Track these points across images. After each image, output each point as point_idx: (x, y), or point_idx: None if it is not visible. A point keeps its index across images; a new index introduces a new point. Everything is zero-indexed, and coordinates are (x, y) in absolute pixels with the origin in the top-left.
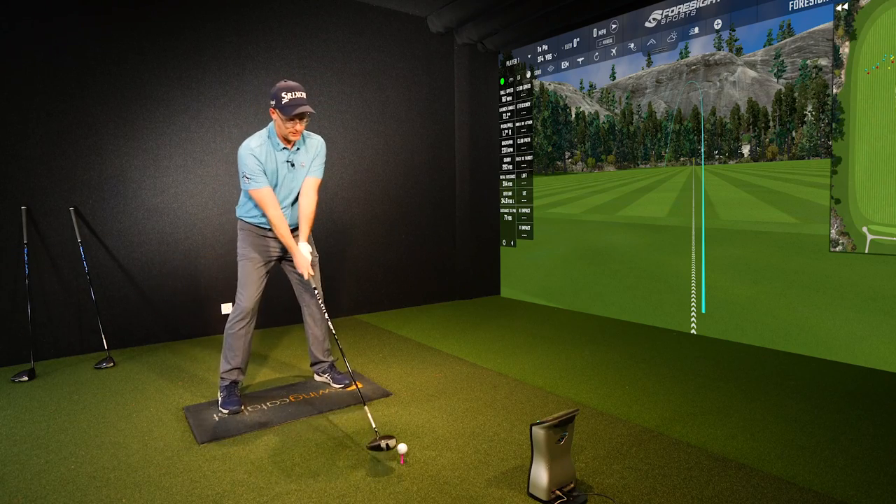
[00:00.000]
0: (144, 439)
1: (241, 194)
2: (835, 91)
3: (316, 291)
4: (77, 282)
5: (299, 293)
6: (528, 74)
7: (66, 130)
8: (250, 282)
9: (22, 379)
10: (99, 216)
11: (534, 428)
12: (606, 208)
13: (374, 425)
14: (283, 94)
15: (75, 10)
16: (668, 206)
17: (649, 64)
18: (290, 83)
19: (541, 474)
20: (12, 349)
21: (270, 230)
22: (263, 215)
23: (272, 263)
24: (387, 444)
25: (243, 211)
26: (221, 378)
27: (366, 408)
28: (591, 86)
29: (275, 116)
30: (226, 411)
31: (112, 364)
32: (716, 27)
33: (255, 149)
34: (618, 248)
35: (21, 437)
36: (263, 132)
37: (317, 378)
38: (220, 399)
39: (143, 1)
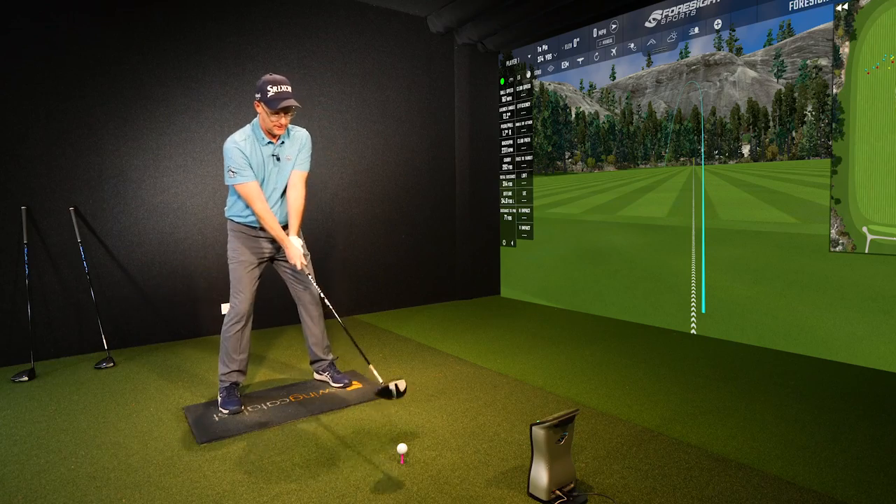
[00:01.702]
0: (144, 439)
1: (229, 193)
2: (835, 91)
3: (310, 277)
4: (77, 282)
5: (294, 292)
6: (528, 74)
7: (66, 130)
8: (244, 284)
9: (22, 379)
10: (99, 216)
11: (534, 428)
12: (606, 208)
13: (380, 379)
14: (268, 88)
15: (75, 10)
16: (668, 206)
17: (649, 64)
18: (276, 76)
19: (541, 474)
20: (12, 349)
21: (263, 228)
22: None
23: (264, 264)
24: (396, 388)
25: (234, 211)
26: (221, 380)
27: (370, 366)
28: (591, 86)
29: (259, 110)
30: (226, 411)
31: (112, 364)
32: (716, 27)
33: (241, 142)
34: (618, 248)
35: (21, 437)
36: (247, 127)
37: (316, 377)
38: (219, 399)
39: (144, 1)
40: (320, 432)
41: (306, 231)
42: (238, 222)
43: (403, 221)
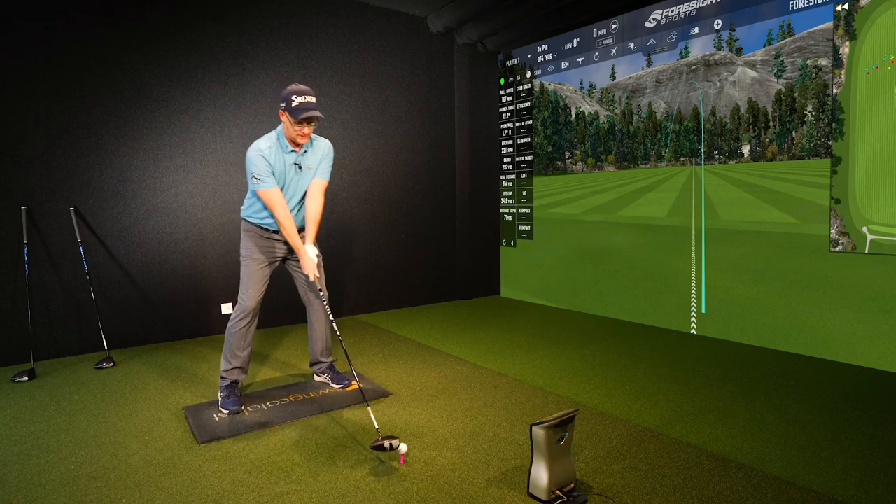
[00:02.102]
0: (144, 439)
1: (248, 195)
2: (835, 91)
3: (321, 293)
4: (77, 282)
5: (304, 293)
6: (528, 74)
7: (66, 130)
8: (253, 282)
9: (22, 379)
10: (99, 216)
11: (534, 428)
12: (606, 208)
13: (376, 425)
14: (293, 98)
15: (75, 10)
16: (668, 205)
17: (649, 64)
18: (301, 87)
19: (541, 474)
20: (12, 349)
21: (277, 231)
22: (272, 216)
23: (276, 264)
24: (390, 444)
25: (251, 211)
26: (222, 377)
27: (368, 408)
28: (591, 86)
29: (284, 119)
30: (226, 411)
31: (112, 364)
32: (716, 27)
33: (265, 150)
34: (618, 248)
35: (21, 437)
36: (272, 134)
37: (316, 378)
38: (219, 399)
39: (143, 1)
40: (320, 432)
41: None
42: (253, 223)
43: (403, 221)
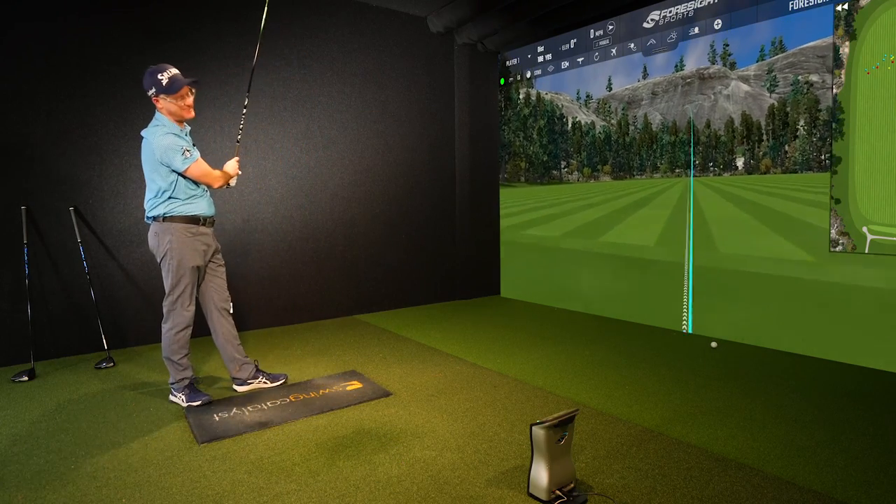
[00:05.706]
0: (144, 439)
1: (159, 190)
2: (835, 91)
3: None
4: (77, 282)
5: (209, 300)
6: (528, 75)
7: (66, 130)
8: (193, 292)
9: (22, 379)
10: (99, 216)
11: (534, 428)
12: (601, 217)
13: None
14: (160, 77)
15: (75, 10)
16: (668, 208)
17: (645, 76)
18: (157, 66)
19: (541, 474)
20: (12, 349)
21: (205, 223)
22: (201, 196)
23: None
24: None
25: (176, 205)
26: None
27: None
28: (587, 96)
29: (164, 103)
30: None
31: (112, 364)
32: (716, 27)
33: (174, 127)
34: (618, 248)
35: (21, 436)
36: (157, 128)
37: (246, 388)
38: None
39: (144, 1)
40: (320, 432)
41: (305, 230)
42: (184, 215)
43: (403, 221)
